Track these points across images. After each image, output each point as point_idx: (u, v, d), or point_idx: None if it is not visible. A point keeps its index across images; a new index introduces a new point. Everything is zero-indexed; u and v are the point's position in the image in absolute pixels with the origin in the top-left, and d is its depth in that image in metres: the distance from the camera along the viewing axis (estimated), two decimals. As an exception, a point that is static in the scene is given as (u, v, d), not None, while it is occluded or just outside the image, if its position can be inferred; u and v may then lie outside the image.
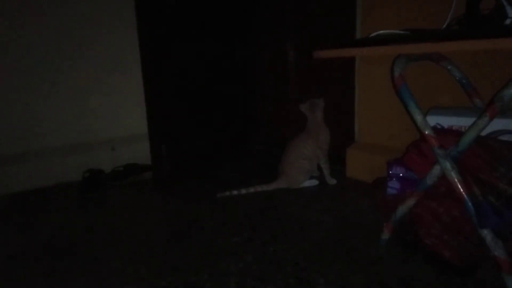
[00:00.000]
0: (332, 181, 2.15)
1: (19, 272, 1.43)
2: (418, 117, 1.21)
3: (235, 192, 2.03)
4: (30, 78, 2.23)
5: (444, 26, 1.42)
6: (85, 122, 2.41)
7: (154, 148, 2.61)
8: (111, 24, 2.40)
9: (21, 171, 2.24)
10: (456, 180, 1.16)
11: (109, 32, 2.40)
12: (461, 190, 1.15)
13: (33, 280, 1.37)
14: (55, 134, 2.34)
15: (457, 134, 1.25)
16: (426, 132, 1.21)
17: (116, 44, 2.43)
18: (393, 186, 1.55)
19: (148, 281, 1.32)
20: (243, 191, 2.04)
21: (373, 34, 1.30)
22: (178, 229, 1.71)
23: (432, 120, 1.44)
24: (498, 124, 1.30)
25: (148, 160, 2.58)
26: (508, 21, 1.15)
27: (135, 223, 1.83)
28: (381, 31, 1.30)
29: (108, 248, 1.57)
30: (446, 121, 1.42)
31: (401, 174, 1.53)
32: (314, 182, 2.16)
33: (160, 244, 1.60)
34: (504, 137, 1.32)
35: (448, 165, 1.17)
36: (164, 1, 2.54)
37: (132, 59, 2.49)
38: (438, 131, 1.33)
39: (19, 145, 2.24)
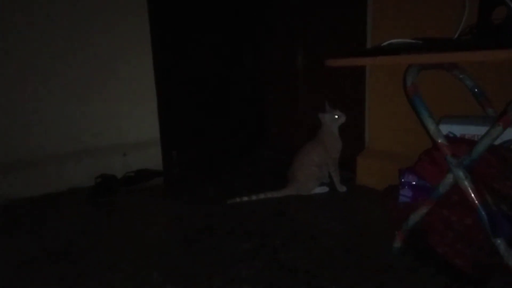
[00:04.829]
0: (342, 189, 2.15)
1: (32, 277, 1.45)
2: (431, 126, 1.22)
3: (245, 199, 2.04)
4: (43, 84, 2.26)
5: (456, 35, 1.43)
6: (97, 127, 2.45)
7: (165, 154, 2.63)
8: (122, 27, 2.43)
9: (34, 176, 2.27)
10: (469, 188, 1.17)
11: (121, 36, 2.43)
12: (474, 199, 1.16)
13: (46, 286, 1.39)
14: (68, 139, 2.37)
15: (469, 143, 1.26)
16: (439, 141, 1.21)
17: (128, 48, 2.46)
18: (405, 194, 1.55)
19: (161, 287, 1.33)
20: (254, 197, 2.05)
21: (385, 43, 1.30)
22: (189, 235, 1.72)
23: (445, 128, 1.44)
24: (511, 133, 1.30)
25: (159, 166, 2.60)
26: (520, 31, 1.15)
27: (147, 228, 1.84)
28: (393, 40, 1.30)
29: (120, 253, 1.59)
30: (459, 130, 1.43)
31: (413, 182, 1.52)
32: (325, 189, 2.16)
33: (172, 249, 1.61)
34: (517, 147, 1.32)
35: (461, 173, 1.18)
36: (177, 7, 2.57)
37: (144, 64, 2.51)
38: (451, 139, 1.33)
39: (32, 150, 2.28)
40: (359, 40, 2.18)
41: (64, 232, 1.81)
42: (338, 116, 2.12)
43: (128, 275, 1.41)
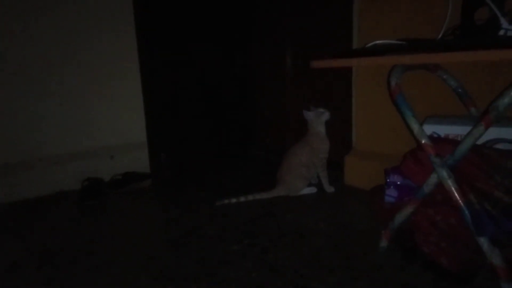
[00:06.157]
0: (331, 189, 2.16)
1: (19, 281, 1.43)
2: (415, 126, 1.23)
3: (234, 200, 2.04)
4: (28, 87, 2.23)
5: (440, 36, 1.45)
6: (84, 130, 2.42)
7: (153, 156, 2.61)
8: (109, 32, 2.42)
9: (21, 180, 2.25)
10: (452, 188, 1.18)
11: (108, 40, 2.42)
12: (458, 198, 1.17)
13: (34, 289, 1.38)
14: (54, 143, 2.34)
15: (453, 142, 1.27)
16: (423, 141, 1.22)
17: (115, 51, 2.45)
18: (391, 194, 1.56)
19: (149, 290, 1.32)
20: (242, 199, 2.05)
21: (369, 44, 1.32)
22: (178, 237, 1.72)
23: (429, 128, 1.46)
24: (493, 132, 1.32)
25: (147, 168, 2.59)
26: (501, 32, 1.17)
27: (135, 231, 1.83)
28: (378, 41, 1.31)
29: (107, 256, 1.58)
30: (443, 130, 1.44)
31: (398, 182, 1.54)
32: (313, 189, 2.17)
33: (160, 251, 1.61)
34: (500, 146, 1.34)
35: (444, 173, 1.19)
36: (163, 9, 2.56)
37: (131, 67, 2.50)
38: (435, 139, 1.35)
39: (18, 153, 2.25)
40: (346, 41, 2.19)
41: (50, 236, 1.80)
42: (322, 112, 2.13)
43: (116, 278, 1.40)
